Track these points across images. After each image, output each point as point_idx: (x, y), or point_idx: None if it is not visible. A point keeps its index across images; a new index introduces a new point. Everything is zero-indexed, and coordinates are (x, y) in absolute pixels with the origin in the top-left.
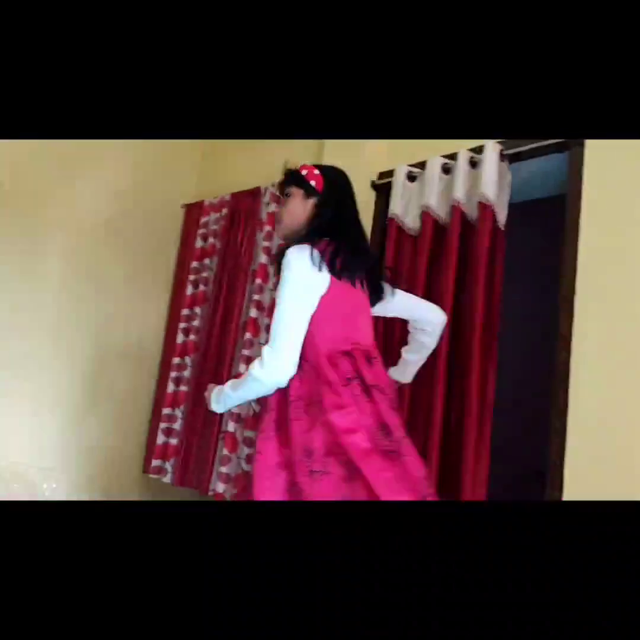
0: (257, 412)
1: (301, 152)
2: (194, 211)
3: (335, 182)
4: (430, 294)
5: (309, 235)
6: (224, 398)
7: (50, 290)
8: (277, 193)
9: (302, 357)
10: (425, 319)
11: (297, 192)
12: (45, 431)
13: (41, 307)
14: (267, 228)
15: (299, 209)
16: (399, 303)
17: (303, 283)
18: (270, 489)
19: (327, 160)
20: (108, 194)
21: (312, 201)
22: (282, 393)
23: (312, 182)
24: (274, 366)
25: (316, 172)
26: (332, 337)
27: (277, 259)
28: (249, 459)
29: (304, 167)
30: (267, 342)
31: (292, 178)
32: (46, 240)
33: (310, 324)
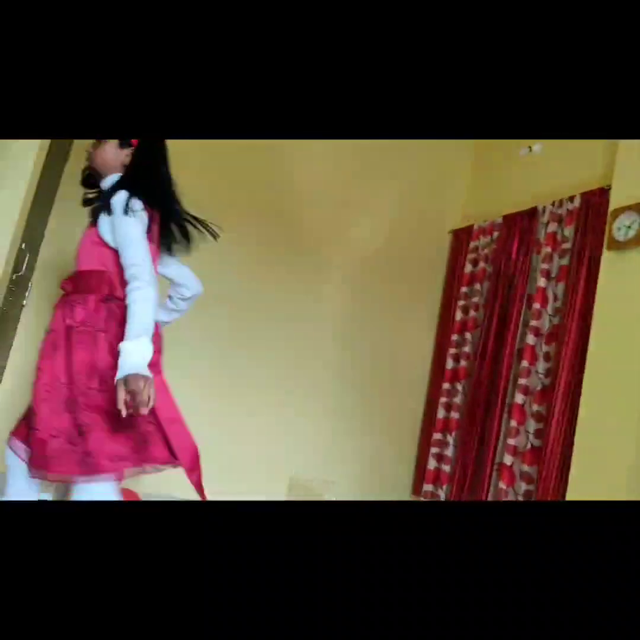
0: None
1: (587, 161)
2: (462, 236)
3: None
4: None
5: (128, 183)
6: (145, 341)
7: (330, 319)
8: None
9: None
10: (190, 286)
11: (111, 140)
12: (326, 447)
13: (323, 336)
14: (546, 250)
15: (110, 155)
16: (175, 265)
17: (144, 228)
18: (48, 400)
19: (620, 168)
20: (379, 225)
21: (126, 151)
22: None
23: None
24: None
25: None
26: None
27: (104, 198)
28: (528, 494)
29: None
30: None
31: None
32: (327, 273)
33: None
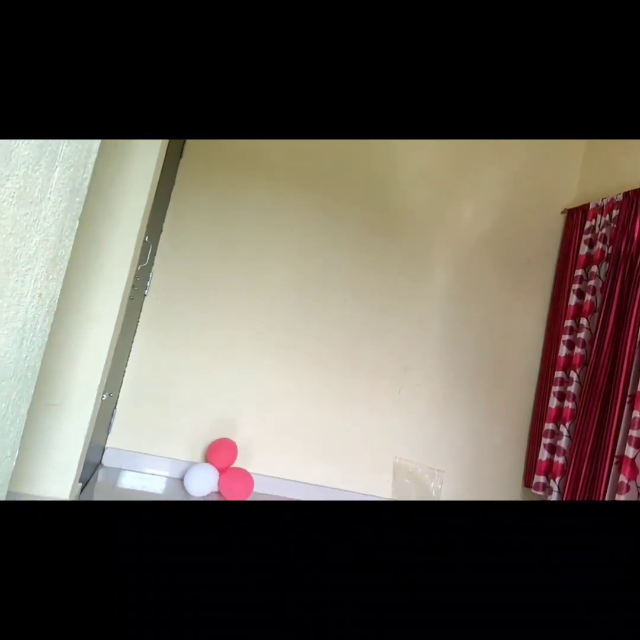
0: None
1: None
2: (576, 216)
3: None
4: None
5: None
6: None
7: (436, 305)
8: None
9: None
10: None
11: None
12: (433, 434)
13: (430, 323)
14: None
15: None
16: None
17: None
18: None
19: None
20: (487, 206)
21: None
22: None
23: None
24: None
25: None
26: None
27: None
28: None
29: None
30: None
31: None
32: (435, 257)
33: None
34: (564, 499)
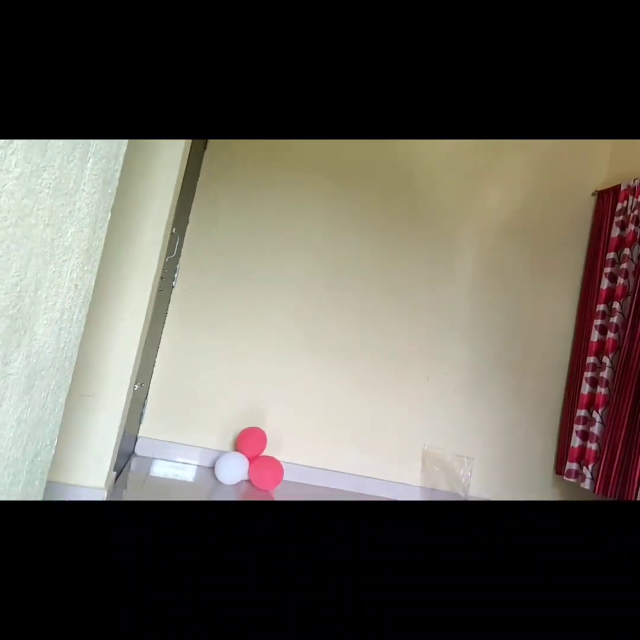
0: None
1: None
2: (608, 197)
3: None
4: None
5: None
6: None
7: (463, 287)
8: None
9: None
10: None
11: None
12: (463, 422)
13: (458, 309)
14: None
15: None
16: None
17: None
18: None
19: None
20: (515, 190)
21: None
22: None
23: None
24: None
25: None
26: None
27: None
28: None
29: None
30: None
31: None
32: (462, 242)
33: None
34: (597, 485)
